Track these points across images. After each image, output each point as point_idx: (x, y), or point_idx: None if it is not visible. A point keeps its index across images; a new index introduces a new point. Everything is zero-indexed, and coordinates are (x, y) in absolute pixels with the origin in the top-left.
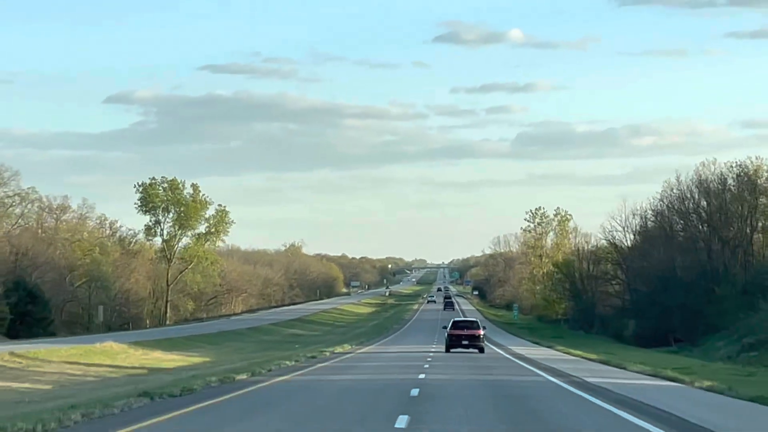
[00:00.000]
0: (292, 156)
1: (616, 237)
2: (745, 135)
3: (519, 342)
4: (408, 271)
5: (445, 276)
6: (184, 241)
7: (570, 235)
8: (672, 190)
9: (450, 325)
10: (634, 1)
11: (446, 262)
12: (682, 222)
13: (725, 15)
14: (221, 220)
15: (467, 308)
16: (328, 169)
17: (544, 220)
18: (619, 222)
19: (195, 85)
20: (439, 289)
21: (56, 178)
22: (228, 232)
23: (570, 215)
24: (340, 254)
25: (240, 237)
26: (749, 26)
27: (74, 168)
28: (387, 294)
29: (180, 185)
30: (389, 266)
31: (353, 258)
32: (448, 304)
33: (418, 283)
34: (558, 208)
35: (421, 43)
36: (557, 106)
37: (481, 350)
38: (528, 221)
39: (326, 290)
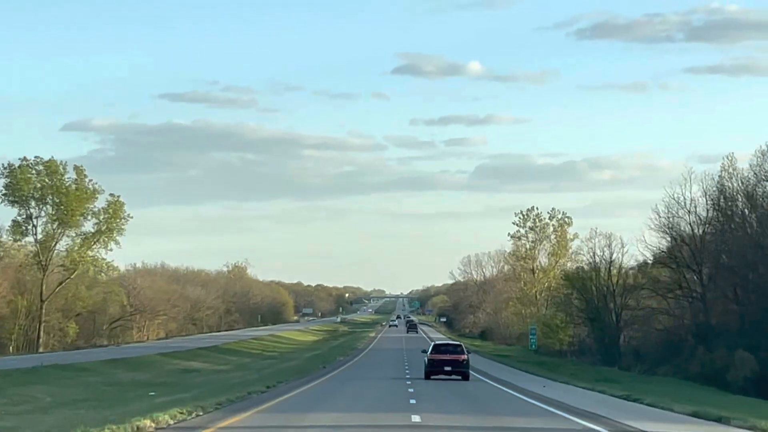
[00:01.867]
0: (250, 186)
1: (679, 227)
2: (702, 170)
3: (596, 399)
4: (366, 301)
5: (404, 305)
6: (66, 242)
7: (571, 244)
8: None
9: (430, 349)
10: (592, 35)
11: (405, 293)
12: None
13: (683, 50)
14: (115, 215)
15: (436, 336)
16: (287, 199)
17: (539, 224)
18: (682, 204)
19: (153, 113)
20: (398, 317)
21: None
22: (124, 230)
23: (569, 218)
24: (295, 281)
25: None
26: (706, 61)
27: None
28: (339, 321)
29: (60, 168)
30: (346, 295)
31: (308, 285)
32: (411, 326)
33: (376, 312)
34: (554, 209)
35: (380, 74)
36: (516, 139)
37: (466, 377)
38: (517, 225)
39: (272, 317)
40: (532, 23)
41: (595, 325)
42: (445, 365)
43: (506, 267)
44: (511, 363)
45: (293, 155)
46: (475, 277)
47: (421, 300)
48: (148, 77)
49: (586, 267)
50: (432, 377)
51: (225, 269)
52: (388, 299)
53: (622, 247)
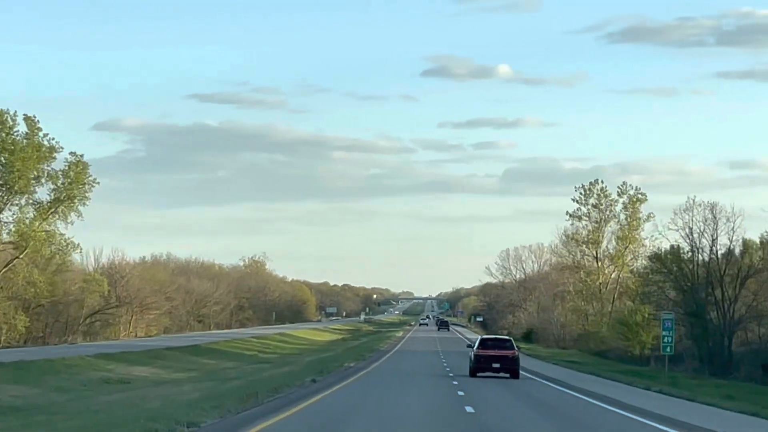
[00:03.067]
0: (279, 187)
1: None
2: (732, 176)
3: None
4: (394, 302)
5: (433, 307)
6: (14, 212)
7: (644, 225)
8: None
9: (477, 344)
10: (623, 39)
11: (434, 295)
12: None
13: (714, 55)
14: (77, 179)
15: (474, 338)
16: (316, 202)
17: (604, 201)
18: None
19: (183, 113)
20: (428, 317)
21: None
22: (88, 199)
23: (643, 194)
24: (321, 281)
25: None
26: (738, 67)
27: None
28: (363, 320)
29: (8, 119)
30: (374, 296)
31: (335, 285)
32: (443, 324)
33: (404, 313)
34: (624, 183)
35: (410, 76)
36: (545, 143)
37: (515, 375)
38: (577, 202)
39: (292, 315)
40: (562, 26)
41: (695, 322)
42: (494, 362)
43: (553, 259)
44: (606, 373)
45: (322, 157)
46: (514, 273)
47: (450, 302)
48: (177, 78)
49: (685, 247)
50: (478, 374)
51: (241, 263)
52: (416, 301)
53: (732, 218)
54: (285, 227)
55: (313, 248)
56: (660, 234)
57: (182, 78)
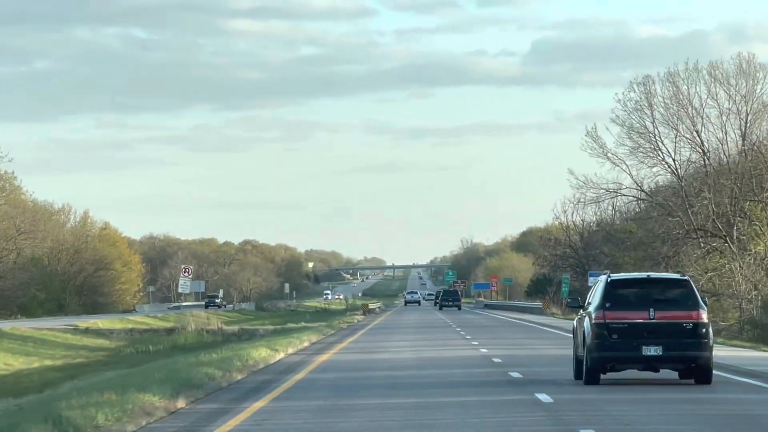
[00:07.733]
0: (140, 86)
1: None
2: None
3: None
4: (347, 275)
5: (423, 280)
6: None
7: None
8: None
9: (599, 296)
10: None
11: (422, 262)
12: None
13: None
14: None
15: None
16: (206, 108)
17: None
18: None
19: None
20: (413, 293)
21: None
22: None
23: None
24: (203, 237)
25: None
26: None
27: None
28: (204, 303)
29: None
30: (310, 265)
31: (226, 243)
32: (447, 297)
33: (365, 294)
34: None
35: None
36: None
37: (704, 375)
38: None
39: (57, 297)
40: None
41: None
42: (645, 340)
43: None
44: None
45: (212, 30)
46: (670, 153)
47: (457, 267)
48: None
49: None
50: (606, 373)
51: None
52: (389, 273)
53: None
54: (157, 154)
55: (204, 189)
56: None
57: None
